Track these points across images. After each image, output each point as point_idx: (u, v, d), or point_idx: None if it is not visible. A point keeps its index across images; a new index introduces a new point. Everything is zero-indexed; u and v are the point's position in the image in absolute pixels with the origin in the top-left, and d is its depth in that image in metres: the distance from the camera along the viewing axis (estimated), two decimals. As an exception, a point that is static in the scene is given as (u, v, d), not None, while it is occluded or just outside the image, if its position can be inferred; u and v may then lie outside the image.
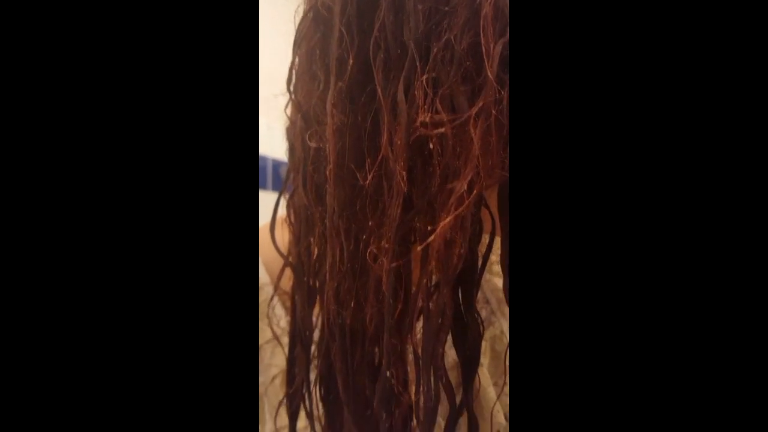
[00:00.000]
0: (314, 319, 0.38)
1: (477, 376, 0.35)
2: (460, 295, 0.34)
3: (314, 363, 0.38)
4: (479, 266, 0.34)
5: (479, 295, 0.40)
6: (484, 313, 0.41)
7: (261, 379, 0.44)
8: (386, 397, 0.33)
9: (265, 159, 1.77)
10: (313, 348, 0.38)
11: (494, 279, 0.38)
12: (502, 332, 0.38)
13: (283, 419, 0.43)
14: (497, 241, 0.35)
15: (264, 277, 0.45)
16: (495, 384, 0.38)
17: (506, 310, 0.34)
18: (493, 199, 0.32)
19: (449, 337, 0.34)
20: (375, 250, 0.31)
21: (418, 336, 0.33)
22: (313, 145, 0.35)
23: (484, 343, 0.36)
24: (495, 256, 0.37)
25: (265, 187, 1.78)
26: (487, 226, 0.33)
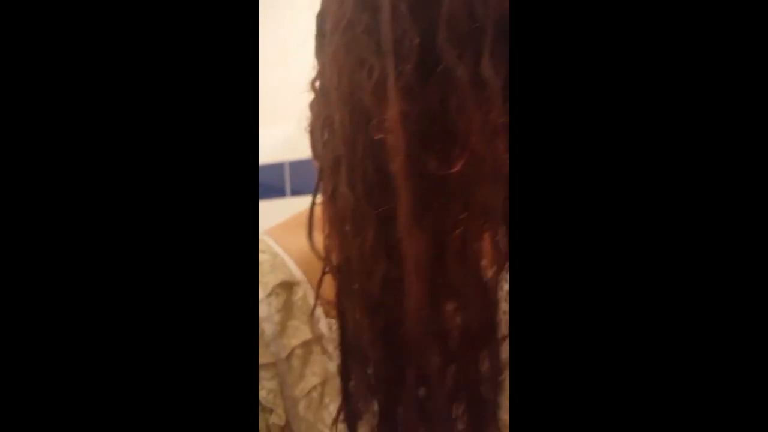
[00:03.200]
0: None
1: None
2: None
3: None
4: None
5: None
6: None
7: (288, 393, 0.40)
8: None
9: (282, 165, 1.75)
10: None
11: None
12: None
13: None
14: None
15: (298, 275, 0.41)
16: None
17: None
18: None
19: None
20: (471, 229, 0.29)
21: None
22: (375, 136, 0.32)
23: None
24: None
25: (284, 194, 1.76)
26: None
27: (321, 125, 0.35)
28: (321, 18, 0.36)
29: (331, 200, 0.35)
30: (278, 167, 1.75)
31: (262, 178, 1.72)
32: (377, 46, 0.30)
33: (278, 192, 1.74)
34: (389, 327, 0.32)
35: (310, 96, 0.37)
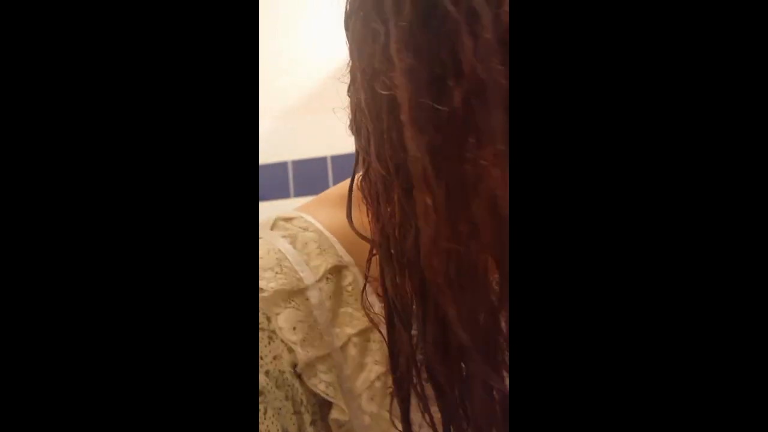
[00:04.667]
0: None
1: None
2: None
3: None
4: None
5: None
6: None
7: (348, 385, 0.36)
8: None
9: (285, 164, 1.70)
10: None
11: None
12: None
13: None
14: None
15: (346, 258, 0.39)
16: None
17: None
18: None
19: None
20: (483, 161, 0.29)
21: None
22: (384, 92, 0.32)
23: None
24: None
25: (287, 195, 1.70)
26: None
27: (354, 108, 0.36)
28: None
29: (365, 179, 0.36)
30: (281, 166, 1.70)
31: (264, 178, 1.67)
32: (382, 13, 0.31)
33: (282, 193, 1.69)
34: (423, 284, 0.33)
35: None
